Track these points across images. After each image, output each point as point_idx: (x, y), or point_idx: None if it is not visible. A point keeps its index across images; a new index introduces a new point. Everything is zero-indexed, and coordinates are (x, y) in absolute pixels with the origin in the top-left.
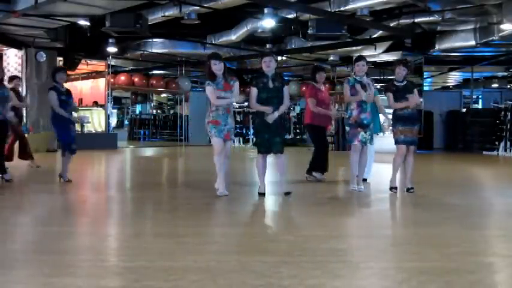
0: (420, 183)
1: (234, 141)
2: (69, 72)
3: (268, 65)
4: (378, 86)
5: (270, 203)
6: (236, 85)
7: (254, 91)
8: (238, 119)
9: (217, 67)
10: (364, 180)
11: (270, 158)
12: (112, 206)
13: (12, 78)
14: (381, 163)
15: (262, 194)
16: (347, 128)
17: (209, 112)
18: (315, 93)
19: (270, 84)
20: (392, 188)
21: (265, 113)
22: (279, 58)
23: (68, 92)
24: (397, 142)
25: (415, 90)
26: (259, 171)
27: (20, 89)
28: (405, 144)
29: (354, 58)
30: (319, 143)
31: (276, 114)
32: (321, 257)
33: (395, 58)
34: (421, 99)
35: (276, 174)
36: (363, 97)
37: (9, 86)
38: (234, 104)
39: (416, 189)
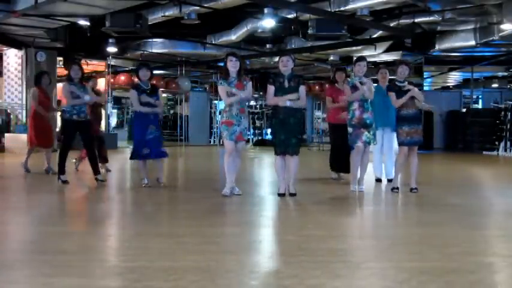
0: (420, 183)
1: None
2: None
3: (285, 65)
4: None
5: (270, 202)
6: (249, 85)
7: (271, 89)
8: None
9: (232, 63)
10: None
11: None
12: (112, 205)
13: (88, 79)
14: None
15: (282, 195)
16: (350, 129)
17: (223, 112)
18: (332, 92)
19: (286, 84)
20: (394, 189)
21: (282, 111)
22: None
23: (153, 90)
24: (402, 143)
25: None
26: (278, 172)
27: (98, 89)
28: (409, 145)
29: (355, 58)
30: (334, 142)
31: (289, 97)
32: (321, 257)
33: (395, 58)
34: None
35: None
36: (366, 93)
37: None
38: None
39: None
